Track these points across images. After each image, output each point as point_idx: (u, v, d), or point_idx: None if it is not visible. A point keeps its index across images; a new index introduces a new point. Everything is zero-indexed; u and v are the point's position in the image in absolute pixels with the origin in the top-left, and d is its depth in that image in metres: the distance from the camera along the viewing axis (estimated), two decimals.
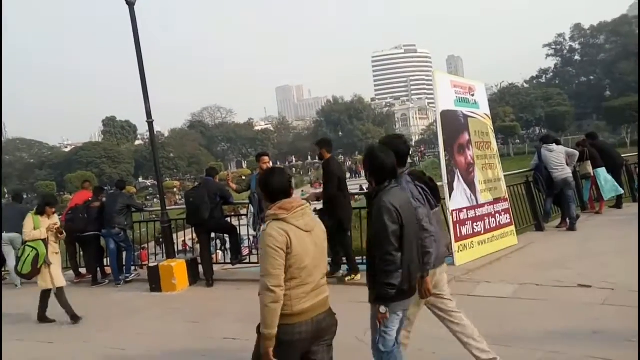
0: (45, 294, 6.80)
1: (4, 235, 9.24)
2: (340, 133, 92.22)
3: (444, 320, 3.97)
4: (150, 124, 8.53)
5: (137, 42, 8.19)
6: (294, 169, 76.20)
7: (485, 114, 8.70)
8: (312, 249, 2.83)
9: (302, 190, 29.63)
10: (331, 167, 6.98)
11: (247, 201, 7.91)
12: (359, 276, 7.01)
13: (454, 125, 7.84)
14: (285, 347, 2.76)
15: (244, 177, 28.87)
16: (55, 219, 7.05)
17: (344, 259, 7.26)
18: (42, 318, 6.80)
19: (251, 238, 13.95)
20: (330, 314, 2.99)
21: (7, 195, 57.32)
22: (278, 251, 2.70)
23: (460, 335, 3.89)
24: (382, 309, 3.22)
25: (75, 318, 6.63)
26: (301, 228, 2.79)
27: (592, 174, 10.52)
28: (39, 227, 6.71)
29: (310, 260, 2.79)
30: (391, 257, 3.11)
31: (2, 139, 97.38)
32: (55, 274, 6.68)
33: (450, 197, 7.30)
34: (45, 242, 6.66)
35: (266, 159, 7.76)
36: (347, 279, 7.03)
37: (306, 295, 2.80)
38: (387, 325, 3.29)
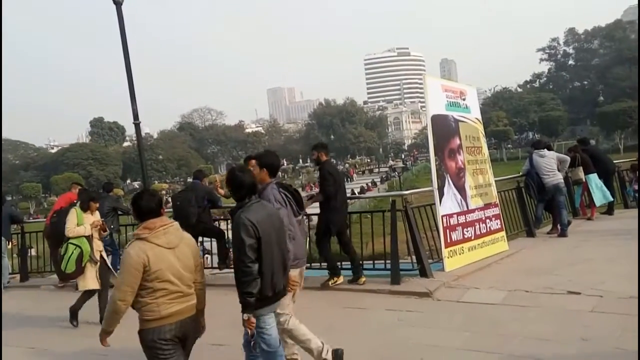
0: (88, 295, 6.54)
1: None
2: (332, 136, 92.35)
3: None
4: (137, 125, 8.52)
5: (124, 42, 8.18)
6: (285, 172, 76.02)
7: (477, 119, 8.75)
8: (175, 263, 3.26)
9: None
10: (328, 167, 7.06)
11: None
12: (341, 279, 7.07)
13: (445, 129, 7.88)
14: (157, 346, 3.23)
15: None
16: (98, 215, 6.79)
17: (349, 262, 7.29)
18: (74, 315, 6.58)
19: None
20: (195, 319, 3.45)
21: None
22: (132, 271, 3.14)
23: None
24: (245, 316, 3.57)
25: (73, 315, 6.53)
26: (162, 246, 3.22)
27: (584, 180, 10.61)
28: (83, 223, 6.41)
29: (173, 273, 3.23)
30: (247, 269, 3.49)
31: None
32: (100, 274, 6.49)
33: (440, 202, 7.33)
34: (89, 239, 6.40)
35: (254, 162, 7.68)
36: (330, 283, 7.04)
37: (171, 301, 3.24)
38: (263, 327, 3.70)
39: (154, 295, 3.20)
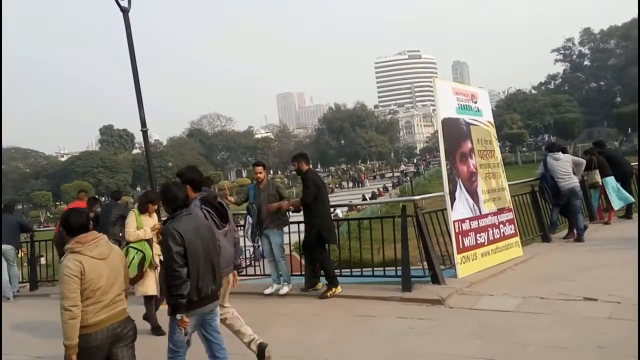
0: (149, 301, 6.40)
1: None
2: (343, 141, 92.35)
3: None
4: (145, 132, 8.56)
5: (132, 50, 8.24)
6: (287, 178, 75.98)
7: (489, 122, 8.72)
8: (107, 272, 3.59)
9: None
10: (309, 175, 7.28)
11: (245, 212, 7.92)
12: (339, 289, 7.07)
13: (456, 133, 7.86)
14: (86, 352, 3.51)
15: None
16: (156, 218, 6.62)
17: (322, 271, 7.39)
18: (157, 329, 6.29)
19: (250, 249, 14.00)
20: (127, 322, 3.74)
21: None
22: (73, 278, 3.42)
23: (242, 336, 4.95)
24: (178, 316, 3.93)
25: (157, 330, 6.21)
26: (95, 257, 3.55)
27: (601, 183, 10.52)
28: (142, 226, 6.25)
29: (104, 281, 3.55)
30: (177, 273, 3.86)
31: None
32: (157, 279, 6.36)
33: (452, 207, 7.30)
34: (149, 242, 6.24)
35: (260, 168, 7.69)
36: (329, 293, 7.02)
37: (101, 309, 3.54)
38: (177, 329, 4.02)
39: (85, 303, 3.48)
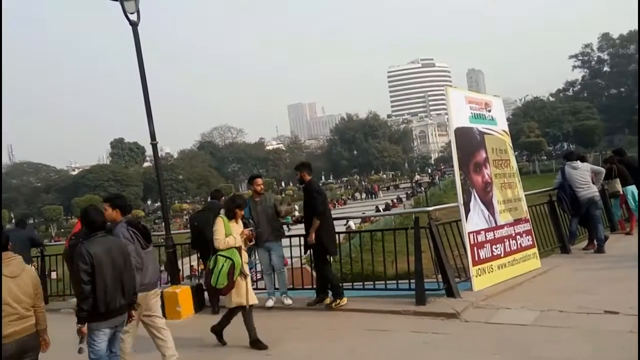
0: (233, 312, 6.20)
1: None
2: (355, 152, 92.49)
3: (153, 337, 5.51)
4: (155, 145, 8.66)
5: (141, 62, 8.37)
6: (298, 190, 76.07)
7: (504, 131, 8.68)
8: (15, 290, 4.08)
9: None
10: (313, 185, 7.41)
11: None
12: (344, 300, 7.11)
13: (470, 142, 7.83)
14: None
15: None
16: (241, 225, 6.41)
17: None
18: (219, 332, 6.29)
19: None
20: (33, 337, 4.25)
21: (12, 220, 58.15)
22: None
23: (163, 349, 5.48)
24: (78, 326, 4.47)
25: (257, 344, 6.04)
26: (7, 275, 4.05)
27: (621, 192, 10.40)
28: (231, 232, 6.05)
29: (12, 297, 4.04)
30: (81, 289, 4.41)
31: (10, 162, 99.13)
32: (250, 289, 6.17)
33: (466, 218, 7.27)
34: (239, 250, 6.10)
35: (259, 181, 8.01)
36: (334, 304, 7.12)
37: (10, 322, 4.03)
38: (93, 339, 4.54)
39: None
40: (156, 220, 59.98)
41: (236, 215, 6.23)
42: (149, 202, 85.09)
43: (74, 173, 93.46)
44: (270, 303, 7.73)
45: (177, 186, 79.83)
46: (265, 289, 8.16)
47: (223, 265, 5.89)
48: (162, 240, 10.63)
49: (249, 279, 6.18)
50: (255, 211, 7.65)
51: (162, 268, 12.11)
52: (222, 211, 6.61)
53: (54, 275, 11.88)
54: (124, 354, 5.21)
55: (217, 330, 6.33)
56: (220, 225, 6.07)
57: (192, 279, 13.07)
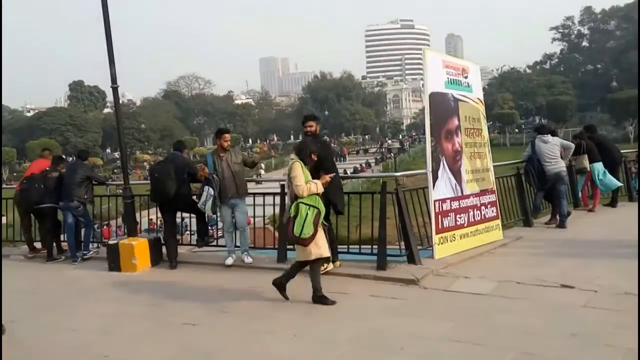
0: (303, 265, 5.94)
1: None
2: (327, 112, 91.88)
3: None
4: (115, 89, 8.40)
5: None
6: (275, 148, 75.92)
7: (478, 99, 8.71)
8: None
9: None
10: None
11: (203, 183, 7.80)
12: (331, 266, 6.93)
13: (443, 109, 7.85)
14: None
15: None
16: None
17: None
18: (283, 286, 5.94)
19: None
20: None
21: None
22: None
23: None
24: None
25: (324, 300, 5.78)
26: None
27: (588, 169, 10.65)
28: (309, 180, 5.77)
29: None
30: None
31: None
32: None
33: (434, 186, 7.36)
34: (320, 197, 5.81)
35: (227, 136, 7.94)
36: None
37: None
38: None
39: None
40: (115, 170, 58.82)
41: (312, 160, 5.97)
42: (108, 151, 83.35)
43: (29, 114, 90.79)
44: (229, 261, 7.74)
45: (138, 136, 78.38)
46: (225, 246, 8.17)
47: (307, 214, 5.57)
48: (120, 191, 10.54)
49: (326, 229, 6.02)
50: (220, 166, 7.59)
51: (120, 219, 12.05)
52: (293, 155, 6.18)
53: (3, 220, 11.64)
54: None
55: (281, 283, 5.94)
56: (299, 170, 5.74)
57: (149, 232, 12.95)
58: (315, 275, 5.82)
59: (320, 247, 5.71)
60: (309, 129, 6.99)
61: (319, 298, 5.78)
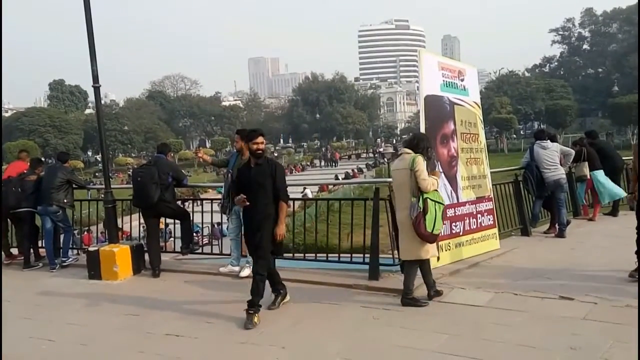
0: (417, 264, 5.96)
1: None
2: (318, 115, 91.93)
3: None
4: (97, 89, 8.35)
5: None
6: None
7: (475, 102, 8.74)
8: None
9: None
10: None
11: (212, 184, 7.82)
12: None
13: (439, 112, 7.87)
14: None
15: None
16: None
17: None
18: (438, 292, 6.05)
19: (214, 226, 13.84)
20: None
21: None
22: None
23: None
24: None
25: (439, 294, 6.03)
26: None
27: (589, 177, 10.69)
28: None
29: None
30: None
31: None
32: None
33: None
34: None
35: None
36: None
37: None
38: None
39: None
40: (96, 174, 58.57)
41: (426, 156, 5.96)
42: (89, 153, 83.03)
43: (6, 114, 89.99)
44: (224, 269, 7.66)
45: (121, 138, 78.08)
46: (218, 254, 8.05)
47: (436, 210, 5.69)
48: (102, 195, 10.48)
49: None
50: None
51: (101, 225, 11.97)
52: (407, 149, 6.06)
53: None
54: None
55: (411, 291, 5.93)
56: (423, 164, 5.76)
57: (130, 238, 12.91)
58: (412, 276, 5.94)
59: (432, 247, 5.87)
60: (259, 146, 5.91)
61: (411, 300, 5.88)
